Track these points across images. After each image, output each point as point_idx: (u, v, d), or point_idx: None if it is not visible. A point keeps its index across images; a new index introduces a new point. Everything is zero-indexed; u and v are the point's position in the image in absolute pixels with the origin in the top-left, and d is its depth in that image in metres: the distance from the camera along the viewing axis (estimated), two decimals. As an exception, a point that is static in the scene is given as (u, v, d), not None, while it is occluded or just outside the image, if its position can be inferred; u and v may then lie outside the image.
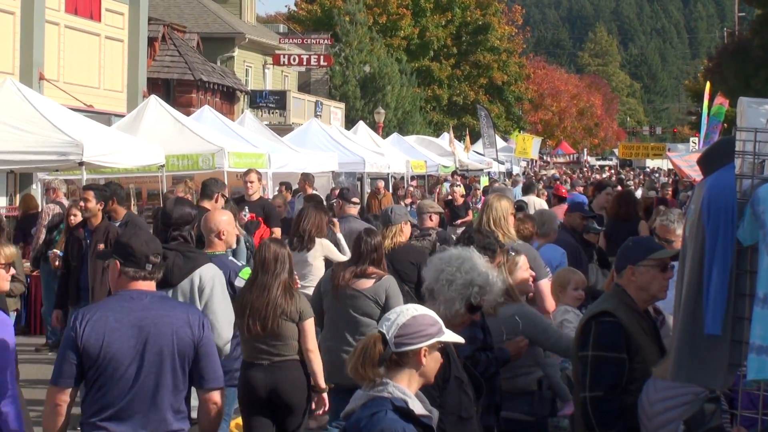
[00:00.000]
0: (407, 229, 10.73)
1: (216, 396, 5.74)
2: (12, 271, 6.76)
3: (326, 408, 8.35)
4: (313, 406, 8.28)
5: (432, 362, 4.49)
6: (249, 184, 15.10)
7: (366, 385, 4.42)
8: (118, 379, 5.56)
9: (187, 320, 5.70)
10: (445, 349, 4.69)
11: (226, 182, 20.34)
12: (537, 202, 21.45)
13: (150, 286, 5.76)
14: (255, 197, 15.06)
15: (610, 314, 5.85)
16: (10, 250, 6.78)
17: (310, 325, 8.14)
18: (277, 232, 14.22)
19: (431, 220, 12.16)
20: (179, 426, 5.70)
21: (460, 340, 4.63)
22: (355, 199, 14.26)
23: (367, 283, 9.09)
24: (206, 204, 12.01)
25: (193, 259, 7.61)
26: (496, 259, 7.07)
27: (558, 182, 32.27)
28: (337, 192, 17.66)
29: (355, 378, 4.44)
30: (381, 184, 26.36)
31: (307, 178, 19.54)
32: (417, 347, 4.42)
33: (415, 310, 4.49)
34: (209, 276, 7.55)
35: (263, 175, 23.12)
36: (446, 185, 33.25)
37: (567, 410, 7.62)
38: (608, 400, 5.70)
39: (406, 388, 4.43)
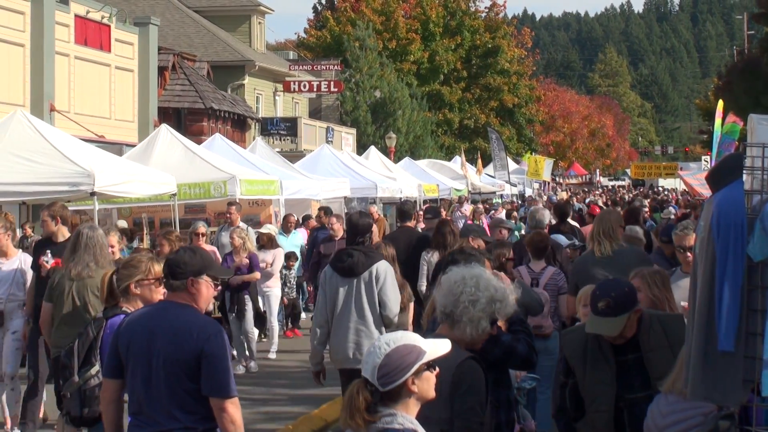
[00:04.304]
0: (476, 243, 11.85)
1: (220, 403, 6.11)
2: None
3: None
4: None
5: (424, 384, 4.39)
6: (43, 223, 12.19)
7: (362, 429, 4.32)
8: (136, 377, 6.22)
9: (190, 331, 6.12)
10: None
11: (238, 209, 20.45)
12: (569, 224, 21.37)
13: (183, 298, 6.23)
14: (61, 239, 11.78)
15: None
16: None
17: (412, 307, 11.61)
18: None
19: (501, 233, 14.31)
20: (192, 425, 6.14)
21: (444, 350, 4.49)
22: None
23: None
24: (408, 224, 15.03)
25: (372, 256, 10.36)
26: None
27: (595, 204, 31.98)
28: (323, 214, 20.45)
29: (348, 428, 4.32)
30: (373, 208, 26.73)
31: (236, 207, 18.31)
32: (402, 380, 4.33)
33: (387, 345, 4.36)
34: (383, 269, 10.31)
35: (275, 201, 23.16)
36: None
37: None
38: (558, 419, 6.67)
39: (411, 416, 4.37)
